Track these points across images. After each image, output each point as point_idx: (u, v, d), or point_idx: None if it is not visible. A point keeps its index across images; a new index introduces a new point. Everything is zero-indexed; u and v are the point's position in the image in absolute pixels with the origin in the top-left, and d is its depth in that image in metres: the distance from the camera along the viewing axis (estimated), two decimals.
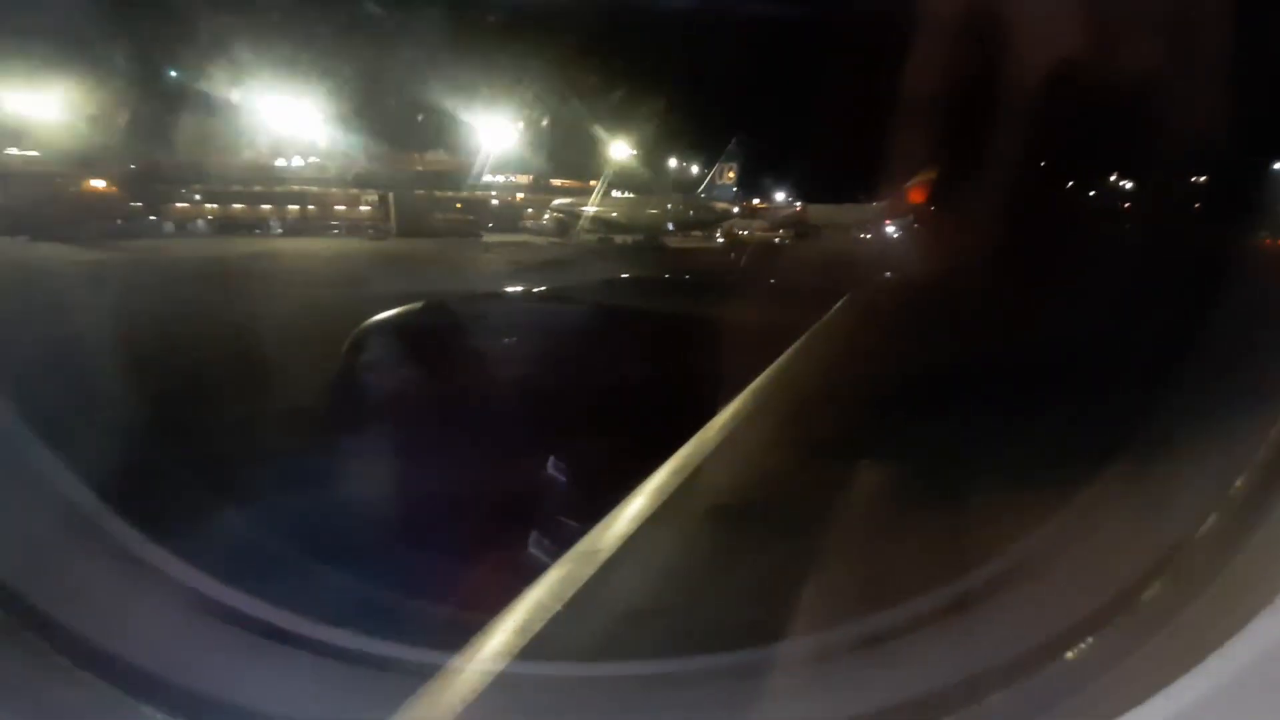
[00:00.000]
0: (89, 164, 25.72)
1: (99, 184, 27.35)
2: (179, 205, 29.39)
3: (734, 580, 2.13)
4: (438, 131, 29.85)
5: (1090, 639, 1.24)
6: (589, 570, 2.29)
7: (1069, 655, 1.23)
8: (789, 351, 5.02)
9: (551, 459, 3.81)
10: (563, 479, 3.71)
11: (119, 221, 26.21)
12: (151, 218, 28.06)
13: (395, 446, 4.53)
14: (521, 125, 29.89)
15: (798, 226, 34.91)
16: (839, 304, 6.74)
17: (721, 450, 3.29)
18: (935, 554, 1.90)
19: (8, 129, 23.81)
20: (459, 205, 34.40)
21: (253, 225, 29.76)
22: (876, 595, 1.76)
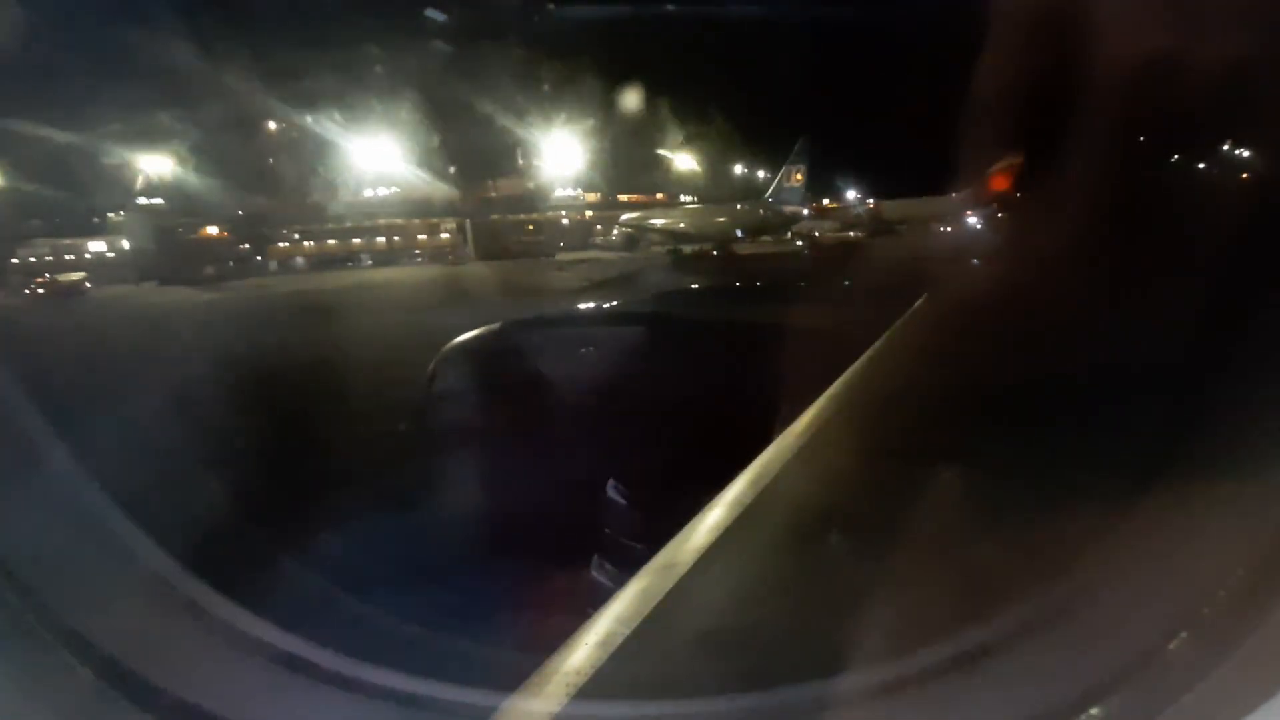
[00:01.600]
0: (203, 212, 28.46)
1: (213, 230, 30.19)
2: (280, 245, 31.95)
3: (810, 598, 2.09)
4: (507, 157, 31.02)
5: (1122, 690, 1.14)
6: (666, 584, 2.30)
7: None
8: (865, 356, 4.87)
9: (611, 480, 3.85)
10: (623, 501, 3.74)
11: (231, 264, 28.87)
12: (258, 258, 30.68)
13: (476, 468, 4.73)
14: (586, 144, 30.58)
15: (871, 225, 33.73)
16: (917, 304, 6.47)
17: (798, 460, 3.23)
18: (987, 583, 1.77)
19: (135, 181, 26.71)
20: (531, 227, 35.52)
21: (345, 259, 31.98)
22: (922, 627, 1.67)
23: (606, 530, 3.59)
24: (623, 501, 3.74)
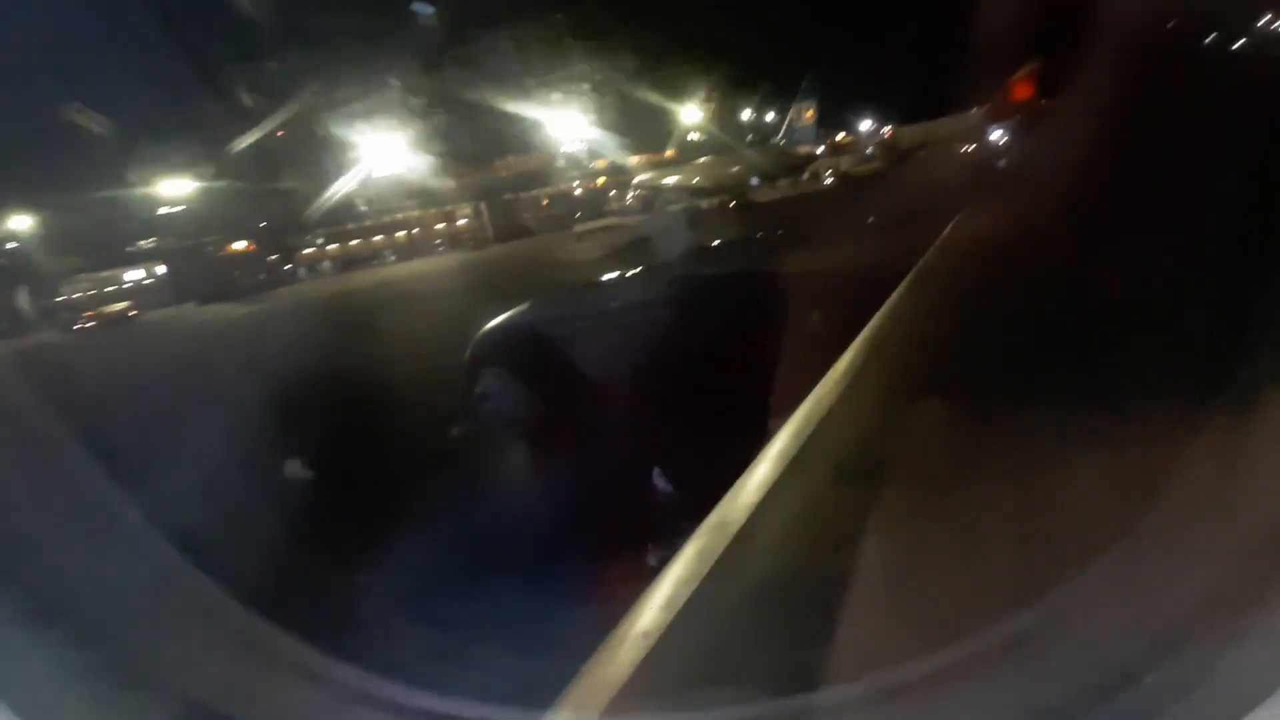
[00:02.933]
0: (227, 227, 29.12)
1: (239, 244, 30.89)
2: (306, 252, 32.57)
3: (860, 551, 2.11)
4: (513, 133, 30.70)
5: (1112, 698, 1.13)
6: (722, 543, 2.36)
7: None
8: (894, 295, 4.78)
9: (655, 469, 3.87)
10: (669, 487, 3.76)
11: (261, 276, 29.59)
12: (287, 267, 31.36)
13: (523, 463, 4.81)
14: (590, 109, 30.01)
15: (888, 153, 32.52)
16: (945, 232, 6.28)
17: (838, 406, 3.22)
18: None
19: (159, 205, 27.39)
20: (545, 201, 35.32)
21: (370, 257, 32.48)
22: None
23: (659, 516, 3.64)
24: (669, 488, 3.78)
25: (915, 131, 32.29)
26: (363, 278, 26.94)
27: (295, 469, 5.57)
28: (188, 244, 29.14)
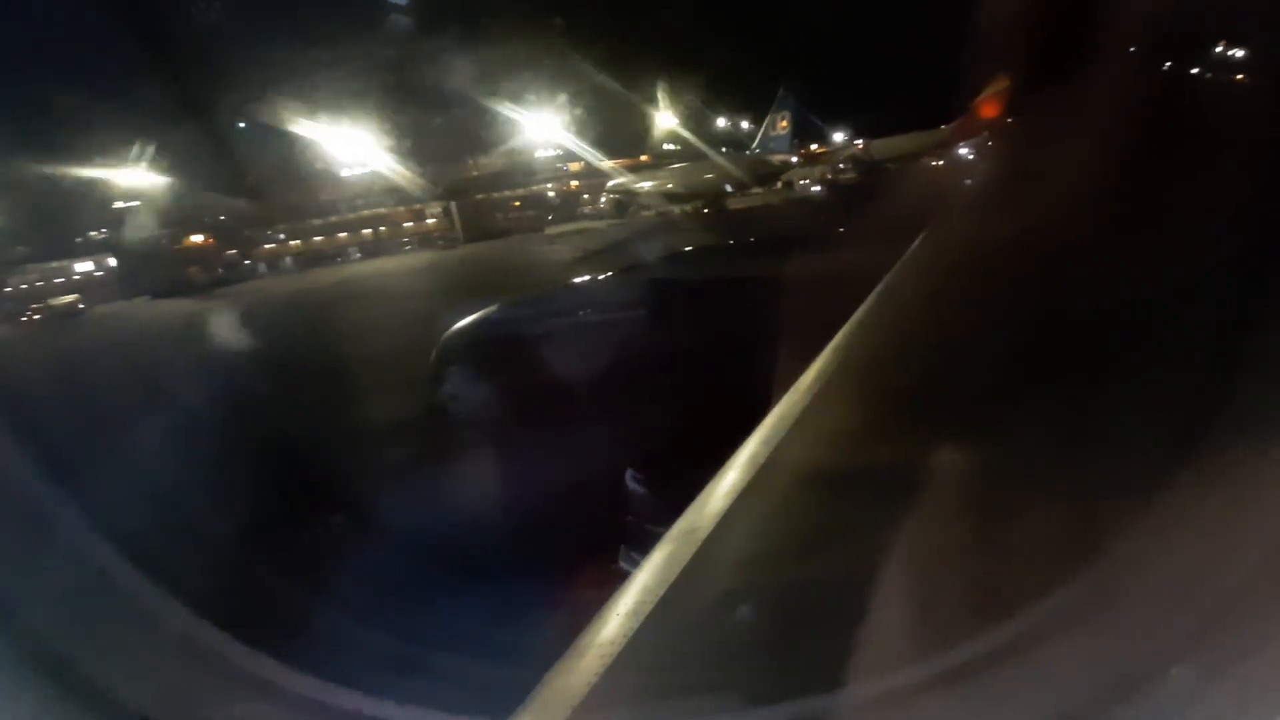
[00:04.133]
0: (185, 221, 28.21)
1: (197, 238, 29.93)
2: (267, 247, 31.71)
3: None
4: (487, 134, 30.47)
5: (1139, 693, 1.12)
6: (690, 549, 2.32)
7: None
8: (864, 304, 4.82)
9: (629, 470, 3.84)
10: (642, 489, 3.73)
11: (220, 271, 28.69)
12: (246, 262, 30.48)
13: (490, 463, 4.73)
14: (565, 112, 29.97)
15: (861, 165, 33.18)
16: (913, 246, 6.38)
17: (808, 413, 3.22)
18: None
19: (114, 196, 26.42)
20: (518, 203, 35.10)
21: (334, 255, 31.76)
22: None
23: (630, 519, 3.60)
24: (642, 490, 3.75)
25: (886, 144, 33.04)
26: (326, 275, 26.28)
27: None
28: (142, 237, 28.15)
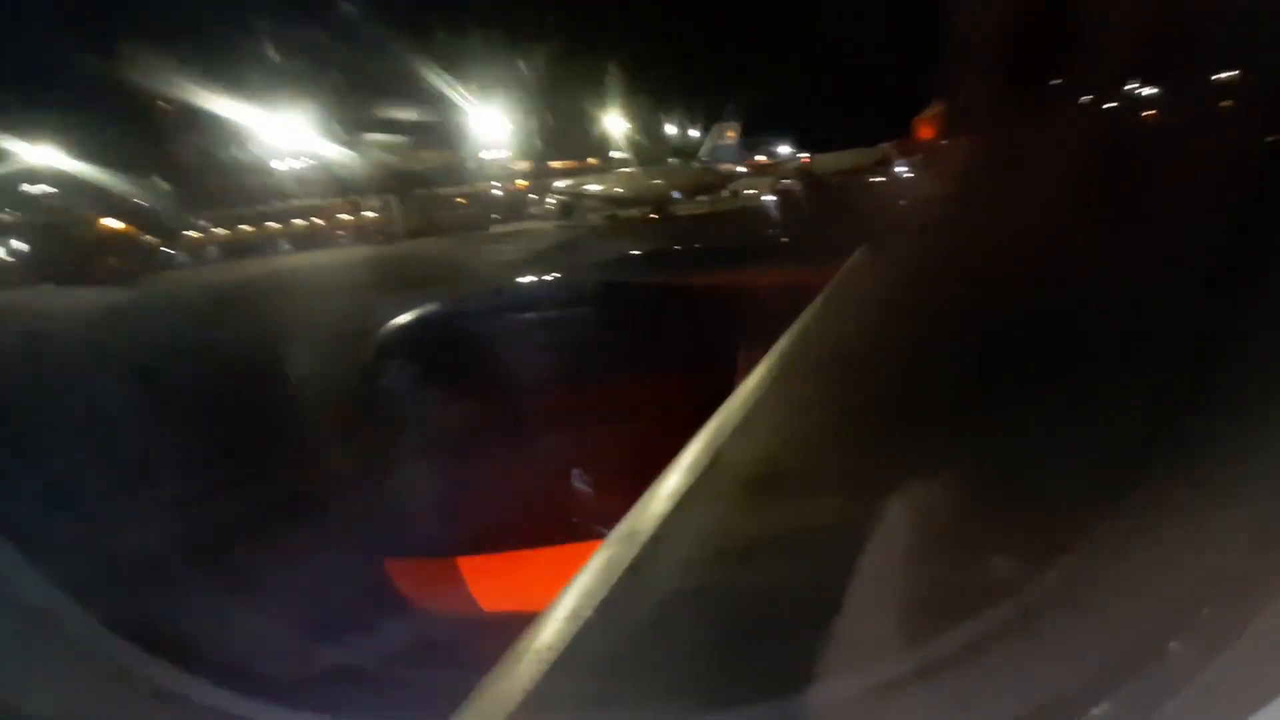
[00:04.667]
0: (101, 204, 26.27)
1: (113, 223, 27.90)
2: (191, 235, 29.86)
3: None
4: (431, 129, 29.73)
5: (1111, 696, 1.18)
6: (630, 553, 2.30)
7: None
8: (806, 312, 4.95)
9: (575, 470, 3.82)
10: (588, 489, 3.72)
11: (138, 258, 26.80)
12: (166, 250, 28.60)
13: (421, 453, 4.59)
14: (513, 110, 29.61)
15: (806, 179, 34.16)
16: (853, 258, 6.61)
17: (749, 419, 3.27)
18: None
19: (21, 175, 24.38)
20: (460, 200, 34.37)
21: (263, 245, 30.16)
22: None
23: (575, 519, 3.56)
24: (588, 489, 3.72)
25: (829, 160, 34.10)
26: (254, 266, 24.93)
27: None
28: (51, 219, 26.06)
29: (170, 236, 29.27)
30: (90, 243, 26.87)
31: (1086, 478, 1.91)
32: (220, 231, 30.75)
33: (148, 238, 28.70)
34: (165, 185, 26.88)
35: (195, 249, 29.71)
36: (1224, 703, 1.02)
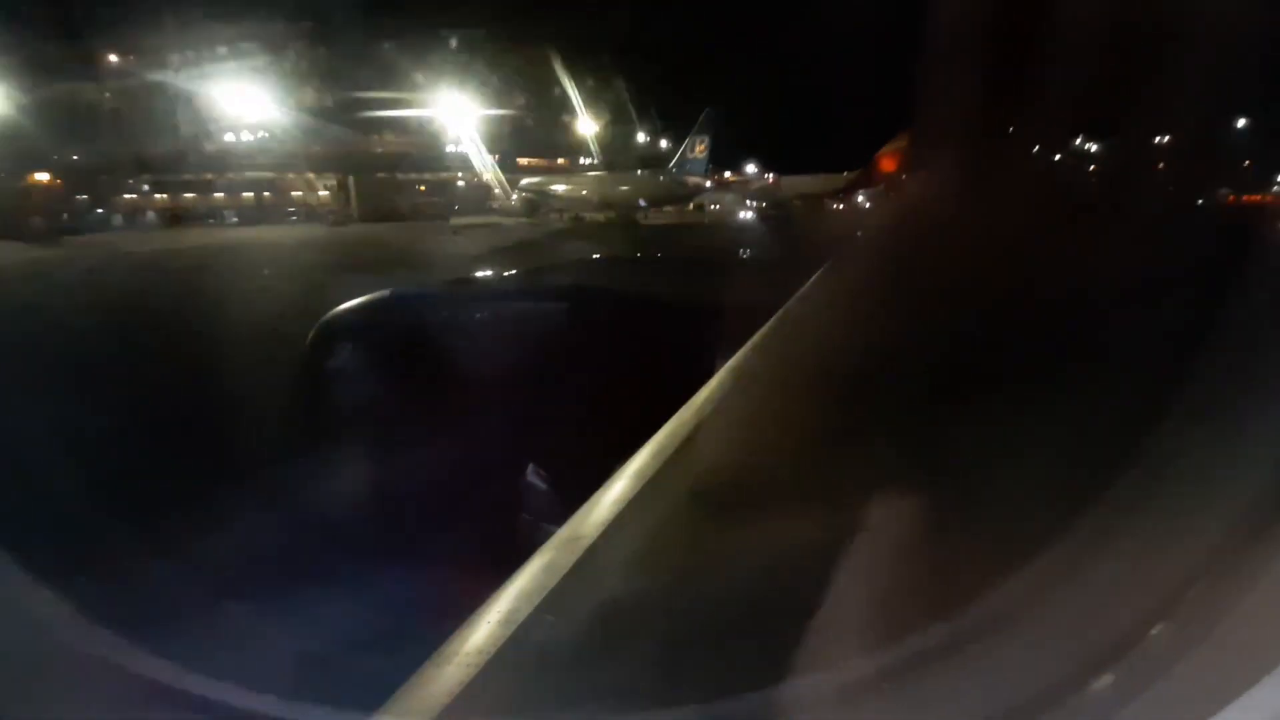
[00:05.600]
0: (31, 156, 24.56)
1: (43, 177, 26.12)
2: (127, 197, 28.23)
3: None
4: (396, 113, 29.06)
5: (1080, 690, 1.20)
6: (571, 558, 2.25)
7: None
8: (764, 328, 5.01)
9: (530, 465, 3.74)
10: (543, 485, 3.65)
11: (65, 216, 25.12)
12: (99, 211, 26.94)
13: (363, 446, 4.43)
14: (485, 103, 29.24)
15: (770, 199, 34.91)
16: (812, 280, 6.74)
17: (702, 429, 3.27)
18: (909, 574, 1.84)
19: None
20: (422, 188, 33.66)
21: (206, 215, 28.77)
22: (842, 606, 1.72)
23: (526, 516, 3.48)
24: (542, 486, 3.64)
25: (794, 182, 34.97)
26: (194, 236, 23.66)
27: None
28: None
29: (103, 196, 27.60)
30: (15, 196, 25.08)
31: (1045, 483, 1.99)
32: (160, 197, 29.19)
33: (79, 197, 26.99)
34: (105, 143, 25.36)
35: (130, 212, 28.09)
36: (1186, 704, 1.04)
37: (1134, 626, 1.24)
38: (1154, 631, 1.25)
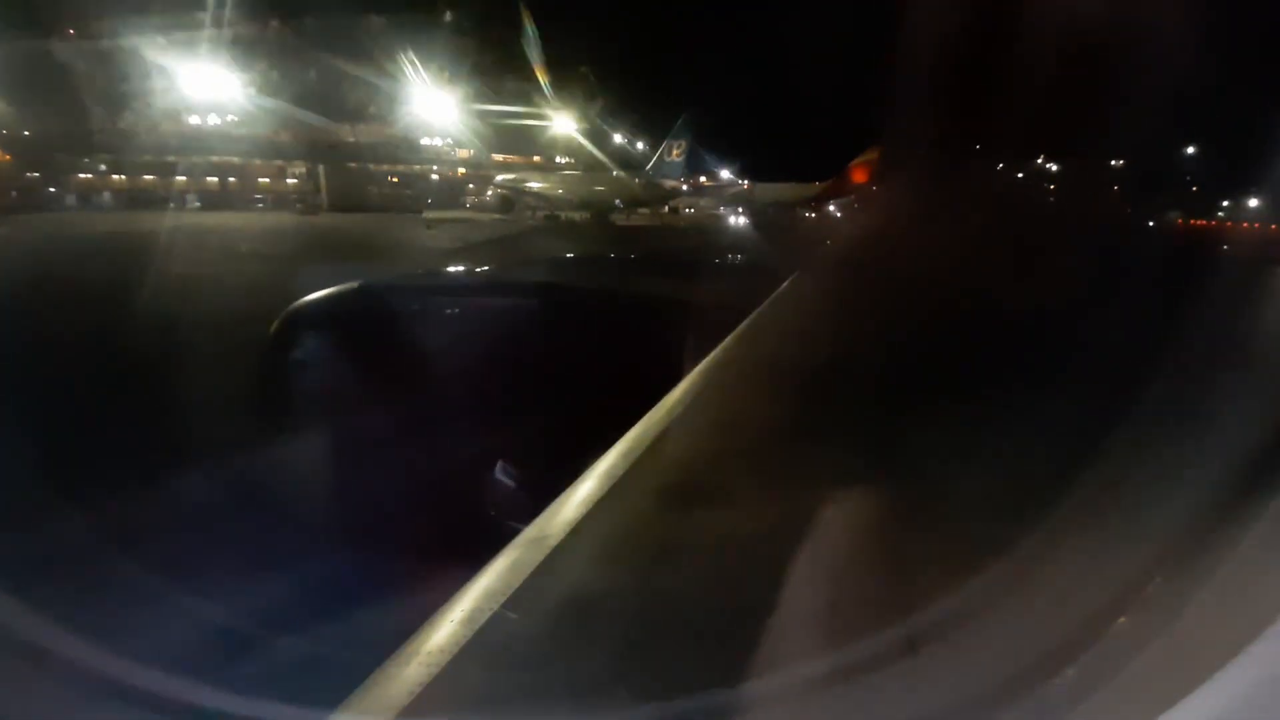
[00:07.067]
0: None
1: None
2: (82, 176, 27.12)
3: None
4: (372, 100, 28.53)
5: (1058, 677, 1.24)
6: (537, 557, 2.23)
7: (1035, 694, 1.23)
8: (736, 331, 5.04)
9: (500, 462, 3.70)
10: (511, 482, 3.61)
11: (13, 194, 24.02)
12: (51, 190, 25.81)
13: (326, 440, 4.32)
14: (461, 96, 28.89)
15: (743, 204, 35.22)
16: (782, 287, 6.82)
17: (671, 430, 3.28)
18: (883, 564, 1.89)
19: None
20: (394, 179, 33.09)
21: (166, 198, 27.74)
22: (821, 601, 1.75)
23: (492, 514, 3.44)
24: (511, 483, 3.60)
25: (768, 189, 35.35)
26: (151, 219, 22.74)
27: None
28: None
29: (57, 175, 26.46)
30: None
31: (1004, 484, 2.06)
32: (118, 177, 28.10)
33: (30, 174, 25.81)
34: (60, 119, 24.32)
35: (85, 191, 26.98)
36: (1143, 699, 1.08)
37: (1091, 623, 1.29)
38: (1111, 628, 1.30)
